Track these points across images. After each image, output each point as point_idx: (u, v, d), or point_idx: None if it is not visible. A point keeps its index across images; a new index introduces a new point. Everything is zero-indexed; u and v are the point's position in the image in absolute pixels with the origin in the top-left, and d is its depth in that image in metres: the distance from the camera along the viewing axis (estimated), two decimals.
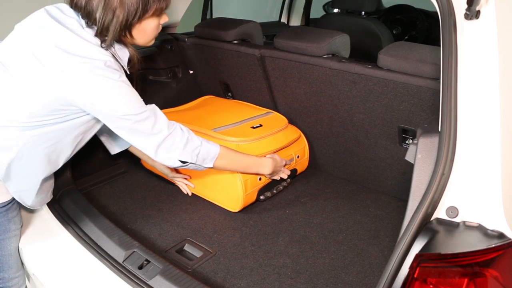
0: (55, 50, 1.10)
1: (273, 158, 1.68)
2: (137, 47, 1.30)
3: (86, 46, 1.13)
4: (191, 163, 1.34)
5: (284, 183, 1.89)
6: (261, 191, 1.75)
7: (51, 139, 1.23)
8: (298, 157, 1.91)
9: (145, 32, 1.23)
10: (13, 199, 1.31)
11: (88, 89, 1.12)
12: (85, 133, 1.32)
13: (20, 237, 1.42)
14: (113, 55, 1.19)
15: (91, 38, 1.15)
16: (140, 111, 1.21)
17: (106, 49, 1.17)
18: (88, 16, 1.14)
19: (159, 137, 1.25)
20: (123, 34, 1.19)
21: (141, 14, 1.16)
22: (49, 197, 1.46)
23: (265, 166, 1.64)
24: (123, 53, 1.26)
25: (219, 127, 1.78)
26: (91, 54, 1.12)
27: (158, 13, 1.22)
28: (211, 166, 1.41)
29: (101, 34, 1.15)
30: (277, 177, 1.75)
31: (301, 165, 1.98)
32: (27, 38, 1.15)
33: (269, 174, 1.69)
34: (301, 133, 1.98)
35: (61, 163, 1.33)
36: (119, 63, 1.23)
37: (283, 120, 1.95)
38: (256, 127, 1.83)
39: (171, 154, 1.29)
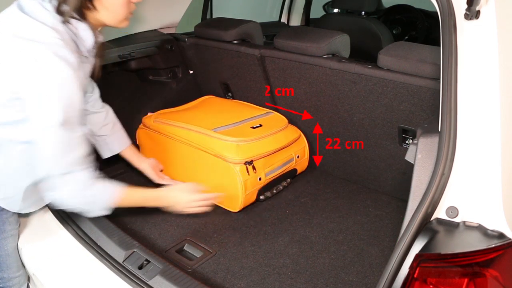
0: (11, 38, 1.04)
1: (172, 195, 1.44)
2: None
3: (37, 27, 1.05)
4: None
5: (284, 183, 1.88)
6: (261, 191, 1.75)
7: (28, 141, 1.15)
8: (298, 157, 1.91)
9: (112, 6, 1.12)
10: None
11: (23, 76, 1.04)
12: None
13: (18, 237, 1.41)
14: (71, 37, 1.10)
15: (47, 19, 1.06)
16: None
17: (65, 29, 1.08)
18: None
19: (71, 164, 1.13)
20: (85, 6, 1.09)
21: None
22: (44, 200, 1.40)
23: (158, 202, 1.42)
24: (86, 35, 1.16)
25: (219, 127, 1.78)
26: (38, 36, 1.03)
27: None
28: (104, 213, 1.27)
29: (60, 6, 1.07)
30: (188, 210, 1.47)
31: (301, 165, 1.98)
32: None
33: (174, 208, 1.45)
34: (301, 133, 1.98)
35: None
36: (78, 47, 1.14)
37: (283, 120, 1.94)
38: (256, 127, 1.82)
39: (69, 188, 1.16)
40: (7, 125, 1.14)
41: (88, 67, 1.27)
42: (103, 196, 1.24)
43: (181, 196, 1.45)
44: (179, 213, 1.47)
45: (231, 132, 1.74)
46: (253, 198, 1.73)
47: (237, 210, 1.70)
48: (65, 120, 1.07)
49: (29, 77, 1.04)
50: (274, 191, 1.83)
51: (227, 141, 1.68)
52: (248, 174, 1.65)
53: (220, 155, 1.66)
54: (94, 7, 1.11)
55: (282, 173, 1.83)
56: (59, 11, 1.08)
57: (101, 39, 1.19)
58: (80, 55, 1.15)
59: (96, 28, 1.19)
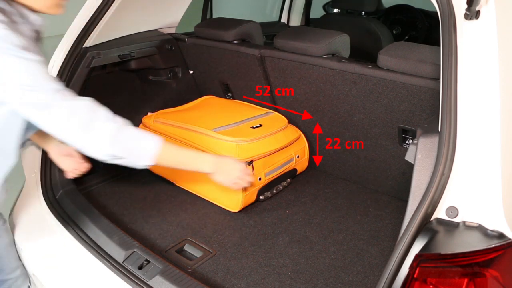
0: None
1: (225, 161, 1.37)
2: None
3: None
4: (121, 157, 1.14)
5: (284, 183, 1.88)
6: (261, 191, 1.75)
7: None
8: (298, 157, 1.91)
9: None
10: None
11: None
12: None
13: (8, 240, 1.39)
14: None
15: None
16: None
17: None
18: None
19: (83, 115, 1.07)
20: None
21: None
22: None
23: (206, 162, 1.31)
24: (27, 14, 1.09)
25: (219, 127, 1.78)
26: None
27: None
28: (150, 163, 1.18)
29: None
30: (234, 185, 1.39)
31: (301, 165, 1.98)
32: None
33: (221, 178, 1.35)
34: (301, 133, 1.98)
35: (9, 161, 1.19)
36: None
37: (283, 120, 1.94)
38: (256, 127, 1.82)
39: (97, 139, 1.09)
40: None
41: (38, 50, 1.17)
42: (141, 142, 1.16)
43: (236, 166, 1.35)
44: (226, 184, 1.36)
45: (231, 132, 1.74)
46: (253, 198, 1.73)
47: (237, 210, 1.70)
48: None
49: None
50: (274, 191, 1.83)
51: (227, 141, 1.68)
52: None
53: (220, 154, 1.66)
54: None
55: (282, 173, 1.83)
56: None
57: (40, 22, 1.11)
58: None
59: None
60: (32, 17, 1.10)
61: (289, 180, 1.91)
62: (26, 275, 1.45)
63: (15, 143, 1.17)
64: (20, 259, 1.45)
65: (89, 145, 1.11)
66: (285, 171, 1.85)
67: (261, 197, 1.76)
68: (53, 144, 1.46)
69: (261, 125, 1.84)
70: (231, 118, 1.87)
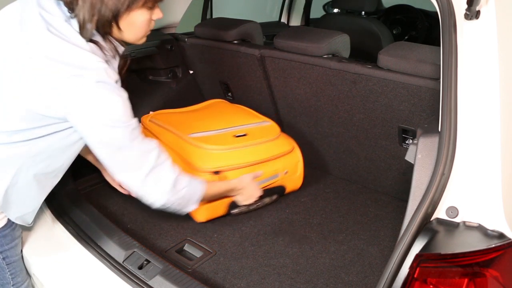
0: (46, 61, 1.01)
1: (242, 183, 1.51)
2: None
3: (79, 53, 1.02)
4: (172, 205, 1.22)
5: (268, 200, 1.73)
6: (234, 204, 1.61)
7: (45, 160, 1.15)
8: (286, 172, 1.74)
9: (135, 25, 1.11)
10: (6, 224, 1.23)
11: (83, 104, 1.02)
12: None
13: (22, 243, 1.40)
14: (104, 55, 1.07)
15: (80, 40, 1.04)
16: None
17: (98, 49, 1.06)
18: (70, 3, 1.02)
19: (149, 162, 1.13)
20: (111, 26, 1.08)
21: (131, 1, 1.05)
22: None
23: (231, 192, 1.50)
24: (120, 51, 1.16)
25: (198, 132, 1.69)
26: (86, 63, 1.01)
27: (150, 5, 1.12)
28: (195, 207, 1.28)
29: (85, 25, 1.03)
30: (249, 201, 1.57)
31: (292, 182, 1.80)
32: (11, 46, 1.06)
33: (243, 199, 1.54)
34: (296, 146, 1.81)
35: (60, 177, 1.27)
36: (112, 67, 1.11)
37: (275, 131, 1.78)
38: (240, 135, 1.70)
39: (158, 187, 1.16)
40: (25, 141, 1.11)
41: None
42: (193, 189, 1.25)
43: (250, 187, 1.52)
44: (245, 203, 1.56)
45: (209, 139, 1.65)
46: (221, 210, 1.62)
47: (201, 221, 1.61)
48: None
49: (79, 104, 1.02)
50: (251, 207, 1.68)
51: (198, 147, 1.60)
52: None
53: (189, 160, 1.58)
54: (119, 27, 1.09)
55: (263, 188, 1.64)
56: (82, 30, 1.04)
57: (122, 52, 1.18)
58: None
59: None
60: (121, 49, 1.15)
61: (275, 197, 1.76)
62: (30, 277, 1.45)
63: (67, 164, 1.23)
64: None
65: (151, 194, 1.18)
66: (267, 187, 1.69)
67: (234, 211, 1.64)
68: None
69: (245, 134, 1.72)
70: (218, 124, 1.77)
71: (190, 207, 1.27)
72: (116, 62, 1.15)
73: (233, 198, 1.54)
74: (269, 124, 1.84)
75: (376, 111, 1.64)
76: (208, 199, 1.41)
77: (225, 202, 1.59)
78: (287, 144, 1.78)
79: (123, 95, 1.06)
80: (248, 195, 1.54)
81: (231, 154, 1.63)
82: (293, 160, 1.78)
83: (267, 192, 1.69)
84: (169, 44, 2.17)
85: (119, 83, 1.07)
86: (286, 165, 1.74)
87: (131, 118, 1.09)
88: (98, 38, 1.09)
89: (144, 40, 1.19)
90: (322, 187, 1.92)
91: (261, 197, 1.62)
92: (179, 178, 1.19)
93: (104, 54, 1.09)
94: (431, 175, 0.94)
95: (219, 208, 1.60)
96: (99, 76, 1.02)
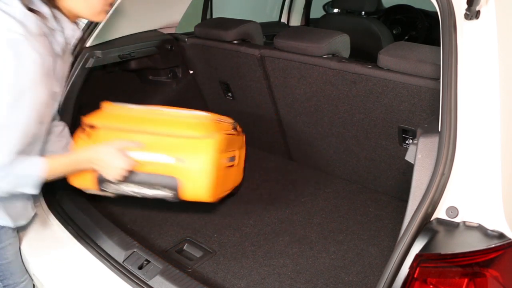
0: None
1: (99, 150, 1.27)
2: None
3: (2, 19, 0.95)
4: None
5: (158, 192, 1.35)
6: (103, 178, 1.33)
7: None
8: (179, 160, 1.31)
9: None
10: None
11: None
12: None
13: (20, 242, 1.40)
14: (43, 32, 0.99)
15: (17, 9, 0.97)
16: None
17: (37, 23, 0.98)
18: None
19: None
20: None
21: None
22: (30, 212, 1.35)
23: (82, 163, 1.26)
24: (67, 28, 1.06)
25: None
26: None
27: None
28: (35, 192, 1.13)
29: None
30: (113, 175, 1.28)
31: (192, 182, 1.33)
32: None
33: (104, 172, 1.28)
34: (218, 140, 1.37)
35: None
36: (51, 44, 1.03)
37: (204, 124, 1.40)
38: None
39: None
40: None
41: (62, 66, 1.14)
42: (30, 172, 1.09)
43: (112, 158, 1.25)
44: (108, 177, 1.28)
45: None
46: (89, 183, 1.35)
47: (74, 185, 1.40)
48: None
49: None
50: (132, 191, 1.34)
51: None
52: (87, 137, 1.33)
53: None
54: None
55: (148, 171, 1.31)
56: None
57: (79, 34, 1.08)
58: (53, 53, 1.05)
59: (72, 20, 1.08)
60: (70, 27, 1.07)
61: (163, 192, 1.34)
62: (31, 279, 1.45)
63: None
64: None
65: None
66: (153, 172, 1.32)
67: (106, 189, 1.34)
68: None
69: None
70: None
71: (27, 190, 1.11)
72: (61, 39, 1.06)
73: (99, 172, 1.27)
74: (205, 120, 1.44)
75: (376, 111, 1.64)
76: (60, 175, 1.21)
77: (93, 175, 1.32)
78: (201, 128, 1.36)
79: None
80: (109, 167, 1.25)
81: (120, 115, 1.40)
82: (198, 149, 1.31)
83: (151, 178, 1.31)
84: (169, 44, 2.17)
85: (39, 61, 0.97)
86: (186, 152, 1.30)
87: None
88: (43, 8, 1.01)
89: (102, 17, 1.08)
90: (322, 187, 1.92)
91: (140, 183, 1.31)
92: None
93: (48, 27, 1.01)
94: (431, 175, 0.94)
95: (86, 180, 1.34)
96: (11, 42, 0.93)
